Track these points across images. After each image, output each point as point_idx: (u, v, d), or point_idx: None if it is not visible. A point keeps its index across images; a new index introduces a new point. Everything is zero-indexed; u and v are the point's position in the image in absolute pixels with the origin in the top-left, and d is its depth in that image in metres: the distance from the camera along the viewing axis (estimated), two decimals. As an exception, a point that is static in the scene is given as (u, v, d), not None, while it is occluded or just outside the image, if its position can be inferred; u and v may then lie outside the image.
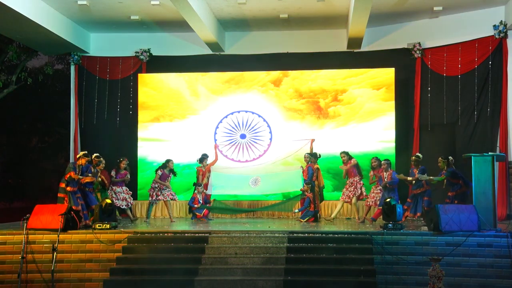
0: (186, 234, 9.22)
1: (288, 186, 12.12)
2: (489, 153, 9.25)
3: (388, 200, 9.43)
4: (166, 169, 11.52)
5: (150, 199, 11.51)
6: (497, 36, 11.95)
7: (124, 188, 11.61)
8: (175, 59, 13.82)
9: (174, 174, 11.69)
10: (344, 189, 11.56)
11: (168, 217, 11.91)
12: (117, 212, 11.16)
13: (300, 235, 9.00)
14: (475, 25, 12.26)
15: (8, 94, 15.05)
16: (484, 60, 12.18)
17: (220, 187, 12.13)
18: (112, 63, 13.94)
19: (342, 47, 13.39)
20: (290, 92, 13.31)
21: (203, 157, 12.20)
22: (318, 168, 11.64)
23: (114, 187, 11.45)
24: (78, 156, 10.32)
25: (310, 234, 9.02)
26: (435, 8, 12.09)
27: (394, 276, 8.17)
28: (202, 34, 12.45)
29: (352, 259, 8.39)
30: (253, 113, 13.40)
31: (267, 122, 13.35)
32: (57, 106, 18.63)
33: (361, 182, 11.42)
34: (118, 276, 8.41)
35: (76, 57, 13.89)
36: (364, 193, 11.34)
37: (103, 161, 11.09)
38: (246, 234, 8.97)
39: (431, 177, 10.39)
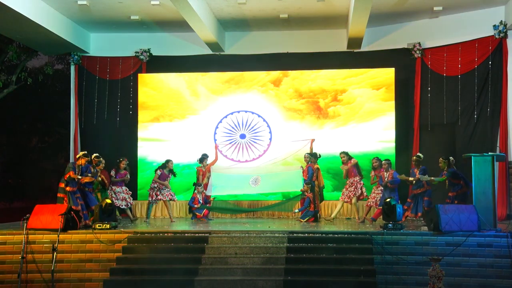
0: (186, 234, 9.21)
1: (288, 186, 12.09)
2: (489, 153, 9.25)
3: (388, 200, 9.43)
4: (166, 169, 11.53)
5: (149, 199, 11.52)
6: (497, 36, 11.95)
7: (124, 188, 11.62)
8: (175, 59, 13.82)
9: (174, 174, 11.69)
10: (344, 189, 11.56)
11: (168, 217, 11.91)
12: (117, 212, 11.17)
13: (300, 235, 9.00)
14: (475, 25, 12.26)
15: (8, 94, 15.05)
16: (484, 60, 12.18)
17: (220, 187, 12.10)
18: (112, 63, 13.94)
19: (342, 47, 13.39)
20: (290, 92, 13.31)
21: (203, 157, 12.20)
22: (318, 168, 11.64)
23: (113, 187, 11.45)
24: (77, 156, 10.35)
25: (310, 234, 9.01)
26: (435, 8, 12.09)
27: (394, 276, 8.16)
28: (202, 34, 12.45)
29: (352, 259, 8.39)
30: (253, 113, 13.40)
31: (267, 122, 13.35)
32: (57, 106, 18.63)
33: (361, 182, 11.42)
34: (118, 276, 8.41)
35: (76, 57, 13.89)
36: (365, 193, 11.35)
37: (103, 161, 11.09)
38: (246, 234, 8.97)
39: (432, 178, 10.37)
